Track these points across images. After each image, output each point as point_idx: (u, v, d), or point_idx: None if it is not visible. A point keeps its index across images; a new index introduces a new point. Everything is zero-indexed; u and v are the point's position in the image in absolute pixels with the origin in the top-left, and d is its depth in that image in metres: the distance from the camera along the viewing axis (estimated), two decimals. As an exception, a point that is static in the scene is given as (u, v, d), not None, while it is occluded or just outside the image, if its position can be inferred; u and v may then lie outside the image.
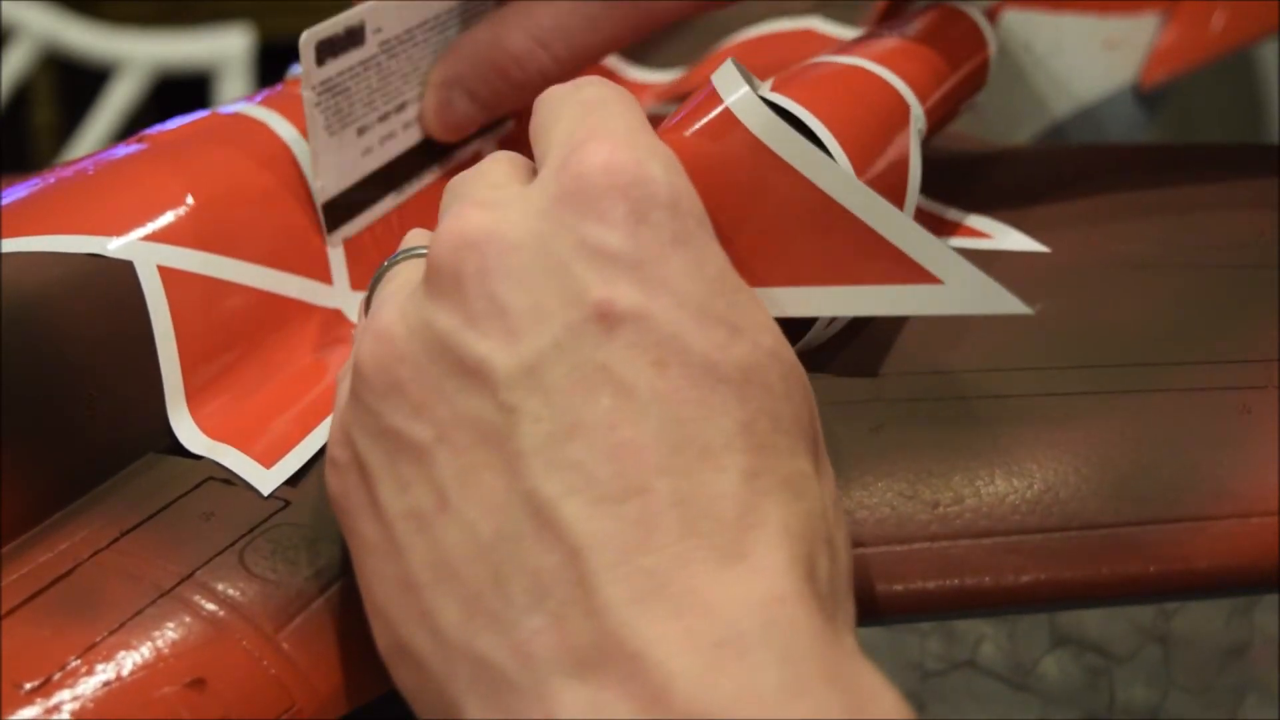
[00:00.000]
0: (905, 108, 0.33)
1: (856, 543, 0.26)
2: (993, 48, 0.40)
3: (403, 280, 0.26)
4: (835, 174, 0.27)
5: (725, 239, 0.25)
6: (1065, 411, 0.28)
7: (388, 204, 0.38)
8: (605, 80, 0.27)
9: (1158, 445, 0.27)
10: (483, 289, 0.23)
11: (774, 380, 0.23)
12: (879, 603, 0.25)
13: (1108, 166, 0.42)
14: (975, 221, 0.36)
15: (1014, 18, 0.58)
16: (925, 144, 0.35)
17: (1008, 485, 0.26)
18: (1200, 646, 0.49)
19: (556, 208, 0.23)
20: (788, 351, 0.24)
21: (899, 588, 0.24)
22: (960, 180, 0.40)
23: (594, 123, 0.24)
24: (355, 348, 0.25)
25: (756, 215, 0.27)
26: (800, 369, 0.24)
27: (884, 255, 0.27)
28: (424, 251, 0.26)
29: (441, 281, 0.23)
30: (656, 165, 0.23)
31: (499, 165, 0.27)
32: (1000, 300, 0.25)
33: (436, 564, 0.22)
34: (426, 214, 0.37)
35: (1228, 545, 0.25)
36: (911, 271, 0.27)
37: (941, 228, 0.36)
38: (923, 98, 0.34)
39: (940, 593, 0.25)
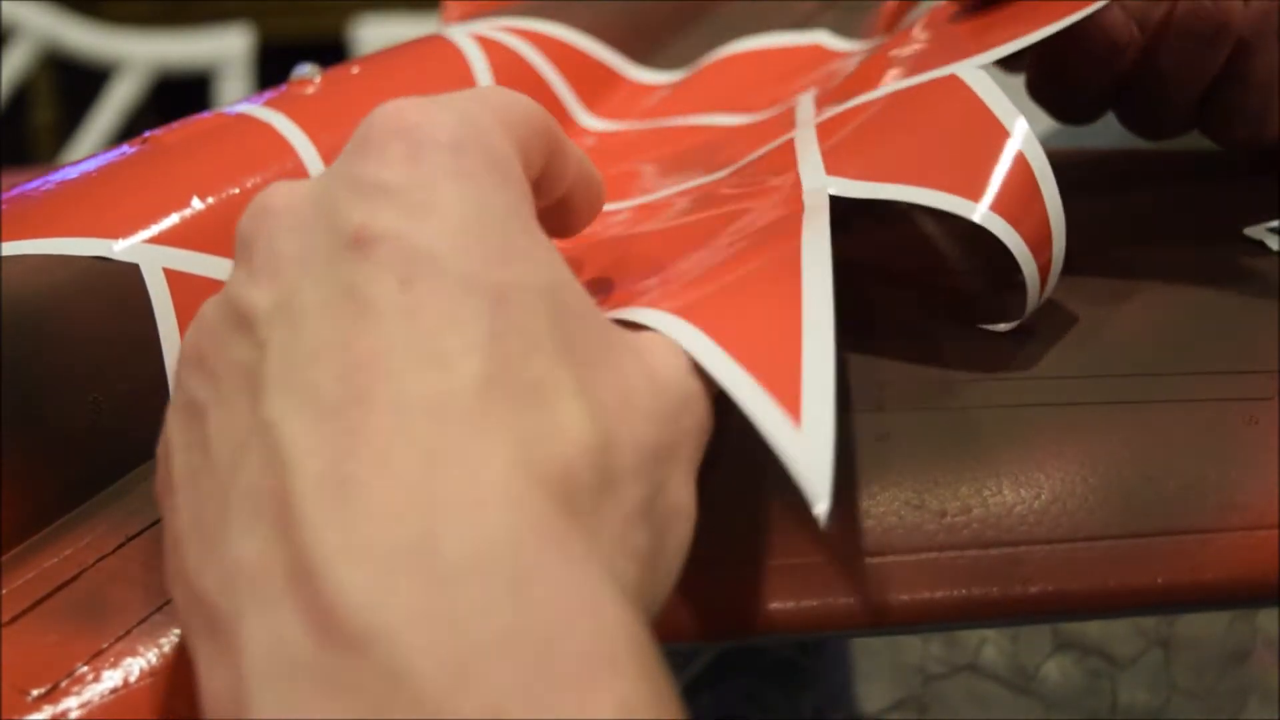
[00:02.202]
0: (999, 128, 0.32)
1: (864, 552, 0.26)
2: None
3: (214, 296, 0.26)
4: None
5: None
6: (1072, 421, 0.28)
7: None
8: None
9: (1165, 456, 0.27)
10: (267, 245, 0.23)
11: (541, 313, 0.21)
12: (885, 612, 0.25)
13: (1111, 173, 0.42)
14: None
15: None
16: None
17: (1015, 495, 0.26)
18: (1202, 650, 0.49)
19: (341, 161, 0.23)
20: (581, 303, 0.22)
21: (905, 597, 0.24)
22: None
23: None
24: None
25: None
26: (602, 331, 0.22)
27: None
28: None
29: (240, 249, 0.24)
30: (448, 114, 0.23)
31: None
32: None
33: (193, 517, 0.21)
34: None
35: (1235, 558, 0.25)
36: None
37: None
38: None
39: (947, 603, 0.25)
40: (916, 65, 0.36)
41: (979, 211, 0.28)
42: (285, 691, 0.17)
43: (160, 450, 0.24)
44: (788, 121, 0.39)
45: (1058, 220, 0.29)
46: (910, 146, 0.31)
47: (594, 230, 0.37)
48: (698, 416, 0.23)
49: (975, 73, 0.32)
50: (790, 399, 0.22)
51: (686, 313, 0.25)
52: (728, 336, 0.24)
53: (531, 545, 0.18)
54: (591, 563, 0.19)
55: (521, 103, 0.25)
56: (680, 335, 0.24)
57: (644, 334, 0.24)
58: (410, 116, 0.23)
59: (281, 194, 0.24)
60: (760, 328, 0.24)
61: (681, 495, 0.22)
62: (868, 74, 0.37)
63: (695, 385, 0.23)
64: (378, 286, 0.21)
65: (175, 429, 0.23)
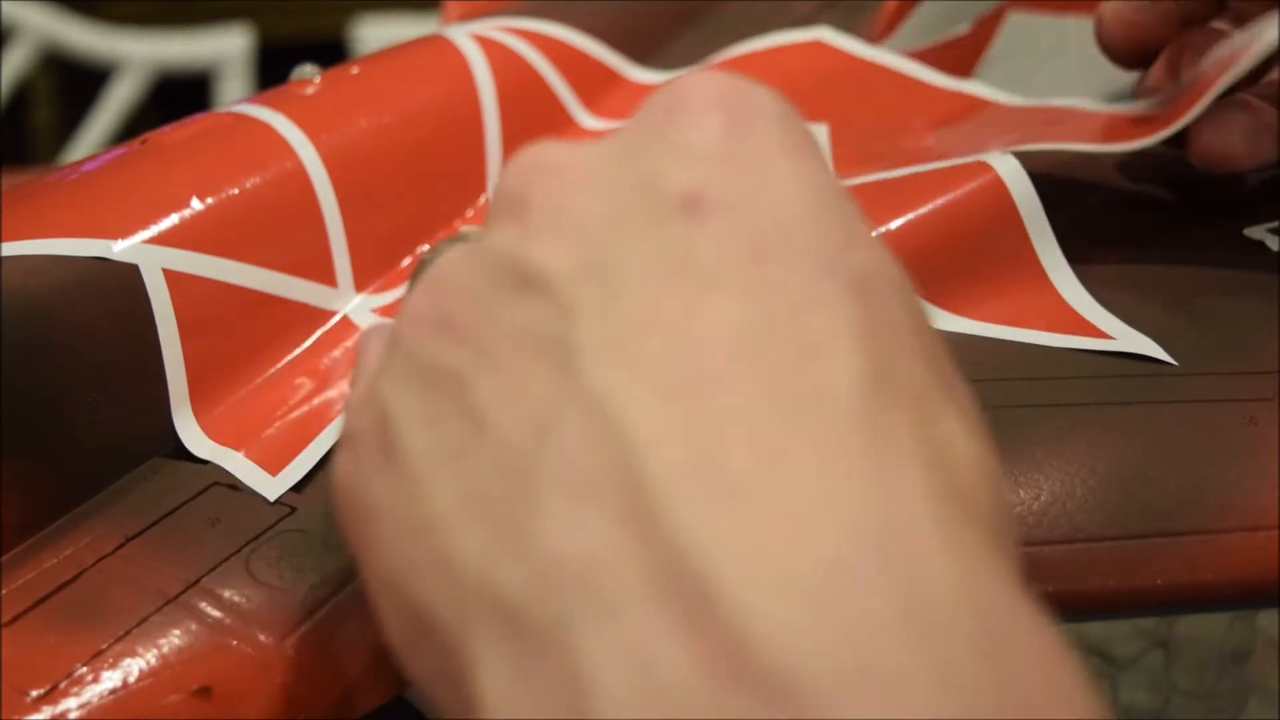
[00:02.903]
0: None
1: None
2: None
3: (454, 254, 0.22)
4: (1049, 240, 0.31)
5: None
6: (1071, 422, 0.28)
7: None
8: None
9: (1165, 457, 0.27)
10: (549, 201, 0.20)
11: (900, 310, 0.18)
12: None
13: (1110, 173, 0.42)
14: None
15: (1017, 19, 0.58)
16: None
17: (1014, 496, 0.26)
18: (1202, 651, 0.49)
19: (644, 124, 0.20)
20: (914, 297, 0.19)
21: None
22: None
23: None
24: (401, 311, 0.22)
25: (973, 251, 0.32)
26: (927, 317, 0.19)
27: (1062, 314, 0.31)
28: (473, 234, 0.23)
29: (506, 205, 0.20)
30: (765, 90, 0.20)
31: None
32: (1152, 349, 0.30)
33: (463, 496, 0.18)
34: None
35: (1235, 559, 0.25)
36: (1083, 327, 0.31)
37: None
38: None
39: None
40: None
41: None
42: None
43: (358, 425, 0.21)
44: None
45: None
46: (947, 265, 0.32)
47: None
48: None
49: (1017, 173, 0.33)
50: None
51: None
52: None
53: (992, 599, 0.15)
54: (1045, 622, 0.15)
55: None
56: None
57: None
58: (728, 87, 0.20)
59: (559, 152, 0.21)
60: None
61: None
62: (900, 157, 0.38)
63: None
64: (722, 257, 0.18)
65: (406, 400, 0.20)
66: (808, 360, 0.17)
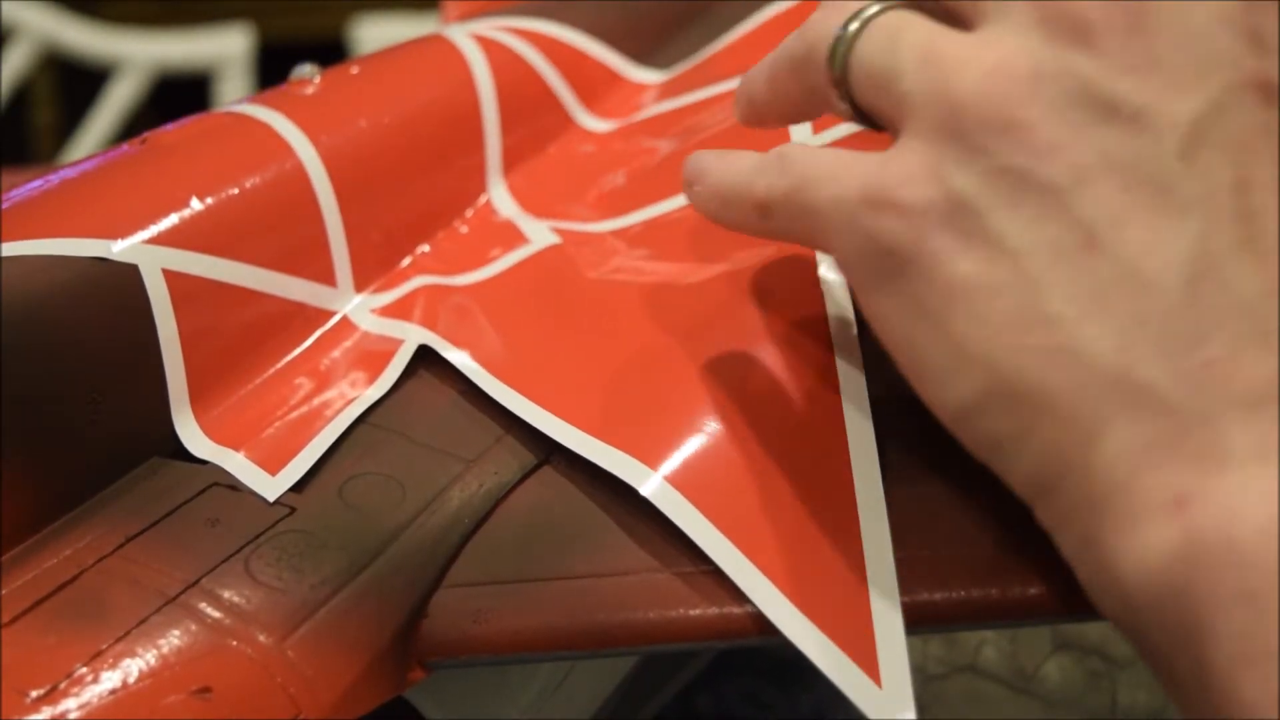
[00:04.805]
0: None
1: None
2: None
3: (924, 29, 0.24)
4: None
5: None
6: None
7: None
8: None
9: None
10: (1133, 42, 0.22)
11: None
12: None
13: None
14: None
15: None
16: None
17: (1014, 495, 0.26)
18: (1202, 651, 0.49)
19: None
20: None
21: (905, 599, 0.24)
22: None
23: None
24: (945, 82, 0.23)
25: None
26: None
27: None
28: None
29: (1073, 29, 0.22)
30: None
31: None
32: None
33: (1079, 297, 0.21)
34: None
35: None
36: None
37: None
38: None
39: (947, 604, 0.25)
40: None
41: None
42: None
43: (918, 197, 0.23)
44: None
45: None
46: None
47: (627, 265, 0.37)
48: None
49: None
50: (867, 658, 0.24)
51: (746, 543, 0.25)
52: (795, 586, 0.25)
53: None
54: None
55: None
56: (749, 586, 0.25)
57: None
58: None
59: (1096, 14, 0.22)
60: (823, 571, 0.25)
61: None
62: None
63: None
64: None
65: (987, 194, 0.22)
66: None
